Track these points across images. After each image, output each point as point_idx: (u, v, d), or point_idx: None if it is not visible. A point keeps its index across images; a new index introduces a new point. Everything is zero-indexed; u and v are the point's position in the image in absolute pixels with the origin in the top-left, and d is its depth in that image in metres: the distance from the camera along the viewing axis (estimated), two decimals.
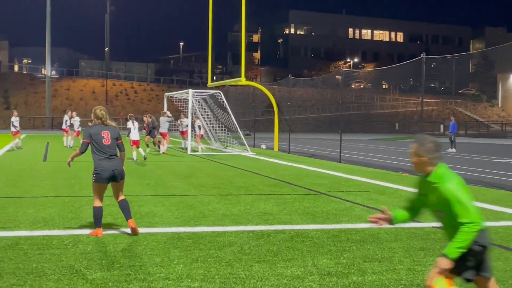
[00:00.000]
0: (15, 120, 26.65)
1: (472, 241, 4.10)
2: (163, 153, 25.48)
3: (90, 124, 9.03)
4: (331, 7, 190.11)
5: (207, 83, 35.83)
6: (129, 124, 21.99)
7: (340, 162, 23.14)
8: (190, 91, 27.99)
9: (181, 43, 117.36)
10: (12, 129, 26.64)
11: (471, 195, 4.25)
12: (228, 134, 30.76)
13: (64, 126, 29.63)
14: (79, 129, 29.77)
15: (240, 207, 11.13)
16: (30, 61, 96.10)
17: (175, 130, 31.95)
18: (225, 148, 30.28)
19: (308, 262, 7.09)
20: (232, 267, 6.81)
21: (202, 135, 29.36)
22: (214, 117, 31.17)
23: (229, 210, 10.82)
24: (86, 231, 8.63)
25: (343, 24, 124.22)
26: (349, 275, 6.51)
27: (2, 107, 63.10)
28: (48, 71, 63.08)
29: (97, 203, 8.42)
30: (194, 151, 27.59)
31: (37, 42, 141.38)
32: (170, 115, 27.84)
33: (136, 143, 21.91)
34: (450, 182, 4.23)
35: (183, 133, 29.47)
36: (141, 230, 8.77)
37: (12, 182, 14.45)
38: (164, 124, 26.51)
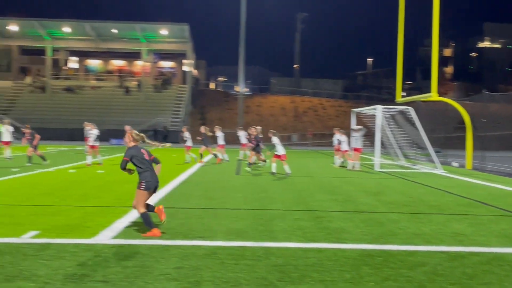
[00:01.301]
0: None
1: None
2: (352, 169, 25.44)
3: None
4: None
5: (395, 98, 35.29)
6: (274, 139, 22.32)
7: None
8: (379, 107, 27.71)
9: (370, 59, 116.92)
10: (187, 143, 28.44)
11: None
12: (417, 151, 29.99)
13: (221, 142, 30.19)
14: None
15: (431, 227, 10.78)
16: (224, 79, 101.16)
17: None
18: (414, 165, 29.53)
19: None
20: None
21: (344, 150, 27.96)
22: (402, 133, 30.54)
23: (419, 229, 10.53)
24: (278, 244, 8.87)
25: None
26: None
27: (199, 123, 66.98)
28: (241, 88, 65.95)
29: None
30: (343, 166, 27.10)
31: (231, 61, 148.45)
32: (358, 128, 27.46)
33: (282, 157, 22.23)
34: None
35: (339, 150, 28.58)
36: (330, 245, 8.83)
37: (208, 194, 15.22)
38: (356, 139, 26.22)
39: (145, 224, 9.44)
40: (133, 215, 11.39)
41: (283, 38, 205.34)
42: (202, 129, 28.57)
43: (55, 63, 74.61)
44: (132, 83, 71.28)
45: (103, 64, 79.68)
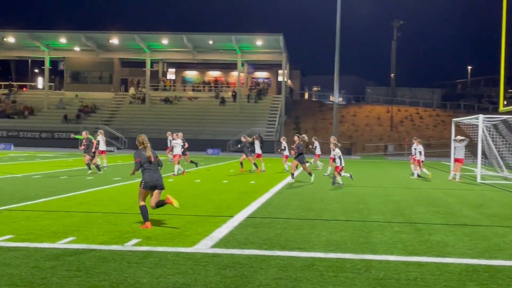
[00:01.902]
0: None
1: None
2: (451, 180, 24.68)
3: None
4: None
5: (498, 108, 33.99)
6: (337, 151, 21.81)
7: None
8: (481, 116, 26.77)
9: (469, 67, 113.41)
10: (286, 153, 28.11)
11: None
12: None
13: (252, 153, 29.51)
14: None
15: None
16: (319, 89, 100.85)
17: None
18: None
19: None
20: None
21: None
22: (505, 143, 29.34)
23: None
24: (378, 257, 8.68)
25: None
26: None
27: (293, 133, 67.05)
28: (336, 98, 65.52)
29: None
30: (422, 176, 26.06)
31: (326, 70, 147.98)
32: (461, 139, 26.59)
33: (336, 168, 21.70)
34: None
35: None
36: (432, 259, 8.57)
37: (306, 205, 15.14)
38: (458, 149, 25.40)
39: (142, 216, 11.04)
40: (232, 224, 11.49)
41: (379, 46, 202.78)
42: (243, 138, 28.81)
43: (154, 74, 76.90)
44: (228, 94, 72.36)
45: (199, 75, 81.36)
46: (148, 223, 10.93)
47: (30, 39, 65.90)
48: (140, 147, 11.31)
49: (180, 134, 25.73)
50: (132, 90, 72.92)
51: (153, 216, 12.28)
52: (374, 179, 25.16)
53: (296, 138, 23.17)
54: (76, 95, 70.91)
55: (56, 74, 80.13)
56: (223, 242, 9.61)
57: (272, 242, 9.73)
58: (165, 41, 65.36)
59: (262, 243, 9.62)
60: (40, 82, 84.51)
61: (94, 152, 25.15)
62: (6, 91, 72.99)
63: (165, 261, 8.18)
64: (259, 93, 71.36)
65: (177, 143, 25.06)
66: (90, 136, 25.37)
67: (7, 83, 75.83)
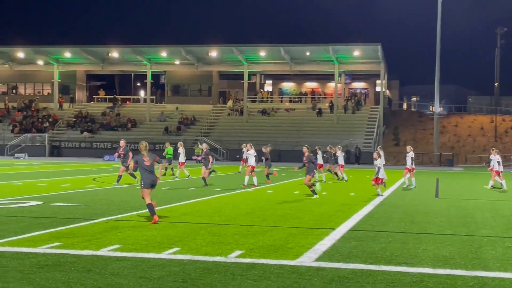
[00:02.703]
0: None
1: None
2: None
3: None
4: None
5: None
6: (378, 161, 20.86)
7: None
8: None
9: None
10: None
11: None
12: None
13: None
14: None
15: None
16: (418, 99, 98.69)
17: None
18: None
19: None
20: None
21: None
22: None
23: None
24: (491, 274, 8.25)
25: None
26: None
27: (392, 143, 65.80)
28: (436, 108, 63.86)
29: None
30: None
31: (425, 80, 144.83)
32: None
33: (378, 181, 20.72)
34: None
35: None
36: None
37: (409, 218, 14.70)
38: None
39: (149, 212, 12.95)
40: (334, 237, 11.30)
41: (481, 54, 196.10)
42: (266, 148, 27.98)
43: (251, 86, 77.67)
44: (325, 105, 72.01)
45: (296, 86, 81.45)
46: (155, 217, 12.73)
47: (133, 54, 68.22)
48: (141, 152, 13.26)
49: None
50: (230, 102, 73.94)
51: (254, 228, 12.29)
52: (479, 192, 24.17)
53: (305, 149, 20.03)
54: (177, 108, 72.64)
55: (158, 87, 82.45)
56: (327, 255, 9.44)
57: (377, 256, 9.46)
58: (262, 53, 65.91)
59: (367, 257, 9.38)
60: (142, 95, 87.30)
61: (128, 164, 23.92)
62: (110, 104, 75.79)
63: (269, 273, 8.11)
64: (356, 104, 70.56)
65: (250, 154, 24.81)
66: (128, 148, 24.82)
67: (112, 96, 78.73)
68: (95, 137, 65.34)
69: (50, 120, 69.69)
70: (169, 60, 70.70)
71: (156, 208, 13.17)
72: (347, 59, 67.17)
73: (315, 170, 20.19)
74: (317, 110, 69.57)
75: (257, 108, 72.32)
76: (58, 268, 8.25)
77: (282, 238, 11.11)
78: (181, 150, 29.35)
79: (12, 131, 67.18)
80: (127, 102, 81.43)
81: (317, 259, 9.11)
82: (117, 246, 9.98)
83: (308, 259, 9.13)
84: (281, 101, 77.23)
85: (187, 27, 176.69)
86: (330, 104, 69.86)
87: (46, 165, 27.89)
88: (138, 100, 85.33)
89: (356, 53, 63.80)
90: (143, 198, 13.15)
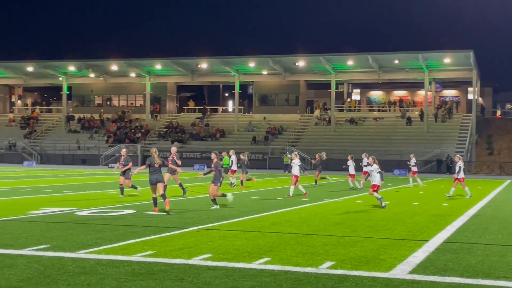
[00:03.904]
0: None
1: None
2: None
3: None
4: None
5: None
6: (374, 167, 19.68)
7: None
8: None
9: None
10: None
11: None
12: None
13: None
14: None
15: None
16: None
17: None
18: None
19: None
20: None
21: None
22: None
23: None
24: None
25: None
26: None
27: (485, 153, 63.66)
28: None
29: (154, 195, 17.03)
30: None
31: None
32: None
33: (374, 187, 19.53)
34: None
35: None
36: None
37: (508, 230, 14.11)
38: None
39: (153, 204, 16.94)
40: (428, 249, 10.99)
41: None
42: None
43: (339, 95, 77.14)
44: (414, 113, 70.56)
45: (385, 95, 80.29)
46: (155, 208, 16.69)
47: (221, 65, 69.23)
48: (152, 155, 16.96)
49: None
50: (317, 112, 73.68)
51: (344, 239, 12.14)
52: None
53: (213, 155, 19.59)
54: (264, 118, 73.08)
55: (245, 97, 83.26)
56: (421, 268, 9.18)
57: (474, 269, 9.12)
58: (350, 62, 65.37)
59: (463, 270, 9.06)
60: (230, 105, 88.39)
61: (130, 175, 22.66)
62: (200, 114, 77.13)
63: (361, 286, 7.96)
64: (447, 112, 68.72)
65: (294, 163, 23.67)
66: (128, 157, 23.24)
67: (201, 107, 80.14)
68: (185, 147, 66.60)
69: (143, 130, 71.75)
70: (256, 70, 71.30)
71: (245, 217, 13.21)
72: (437, 67, 65.63)
73: (221, 178, 19.25)
74: (407, 119, 68.26)
75: (345, 117, 71.71)
76: (152, 276, 8.40)
77: (373, 249, 10.90)
78: (233, 158, 29.44)
79: (107, 141, 69.58)
80: (219, 112, 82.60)
81: (411, 272, 8.88)
82: (209, 255, 10.07)
83: (401, 271, 8.91)
84: (369, 110, 76.29)
85: (274, 37, 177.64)
86: (420, 113, 68.41)
87: (139, 175, 28.67)
88: (226, 111, 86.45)
89: (447, 60, 62.20)
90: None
